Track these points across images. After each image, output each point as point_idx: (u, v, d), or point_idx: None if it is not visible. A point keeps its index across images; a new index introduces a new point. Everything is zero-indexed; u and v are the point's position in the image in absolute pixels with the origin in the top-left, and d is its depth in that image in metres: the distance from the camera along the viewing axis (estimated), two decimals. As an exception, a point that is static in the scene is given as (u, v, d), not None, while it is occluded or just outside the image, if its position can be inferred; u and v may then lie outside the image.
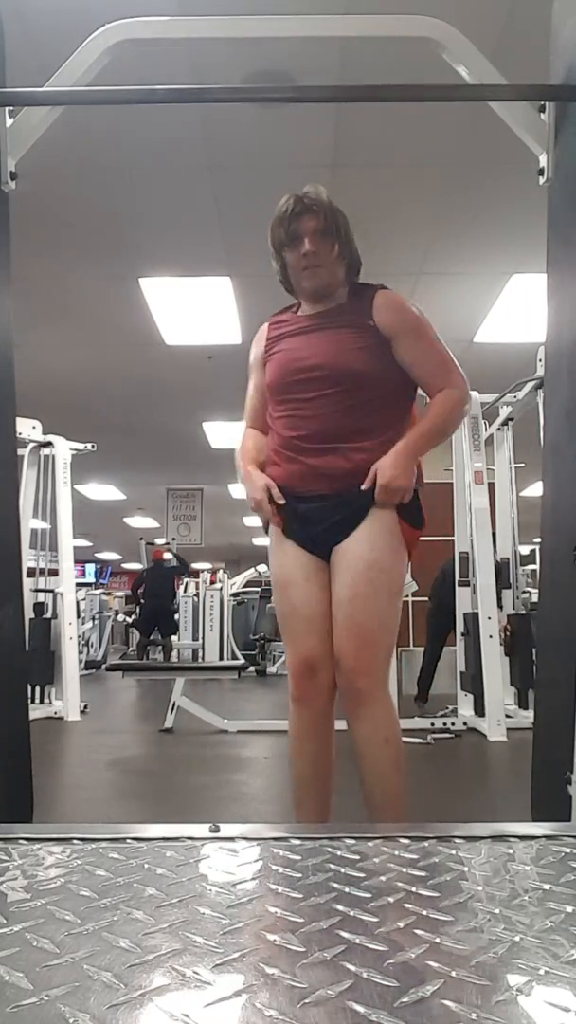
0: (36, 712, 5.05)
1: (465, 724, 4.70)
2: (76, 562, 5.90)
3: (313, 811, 1.75)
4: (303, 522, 1.74)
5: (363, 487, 1.68)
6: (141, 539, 11.16)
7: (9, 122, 1.81)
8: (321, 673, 1.72)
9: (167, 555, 9.96)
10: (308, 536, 1.74)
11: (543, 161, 1.80)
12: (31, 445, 5.47)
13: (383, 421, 1.74)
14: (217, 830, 1.13)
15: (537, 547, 6.81)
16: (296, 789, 1.79)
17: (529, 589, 6.49)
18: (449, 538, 5.50)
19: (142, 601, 9.80)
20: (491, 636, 4.46)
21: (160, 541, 10.99)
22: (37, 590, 5.57)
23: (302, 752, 1.77)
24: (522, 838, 1.12)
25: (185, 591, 10.16)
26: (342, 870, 0.97)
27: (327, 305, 1.80)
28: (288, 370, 1.76)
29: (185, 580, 10.33)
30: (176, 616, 9.98)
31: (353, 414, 1.72)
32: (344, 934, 0.77)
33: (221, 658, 9.24)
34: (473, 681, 4.60)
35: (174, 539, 10.45)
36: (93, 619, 11.07)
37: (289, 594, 1.76)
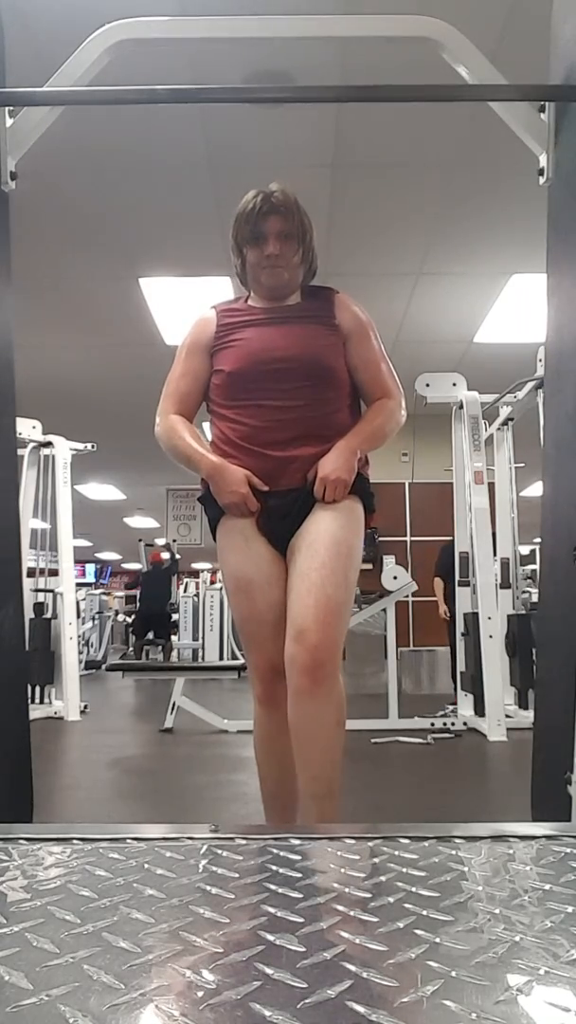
0: (36, 712, 5.05)
1: (465, 724, 4.70)
2: (76, 562, 5.90)
3: (285, 810, 1.74)
4: (267, 518, 1.70)
5: (309, 477, 1.67)
6: (140, 540, 11.16)
7: (9, 122, 1.81)
8: (285, 675, 1.65)
9: (164, 554, 9.98)
10: (273, 531, 1.70)
11: (543, 161, 1.80)
12: (31, 445, 5.47)
13: (345, 419, 1.76)
14: (217, 830, 1.13)
15: (537, 547, 6.82)
16: (269, 790, 1.78)
17: (529, 589, 6.49)
18: (449, 538, 5.50)
19: (139, 605, 9.87)
20: (491, 636, 4.46)
21: (160, 541, 10.99)
22: (37, 590, 5.57)
23: (272, 752, 1.74)
24: (522, 838, 1.12)
25: (185, 591, 10.17)
26: (342, 870, 0.97)
27: (282, 303, 1.81)
28: (257, 360, 1.71)
29: (185, 581, 10.35)
30: (174, 617, 9.99)
31: (323, 408, 1.71)
32: (344, 934, 0.77)
33: (221, 658, 9.25)
34: (473, 681, 4.60)
35: (175, 540, 10.46)
36: (93, 619, 11.07)
37: (254, 598, 1.68)
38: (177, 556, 10.17)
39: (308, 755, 1.58)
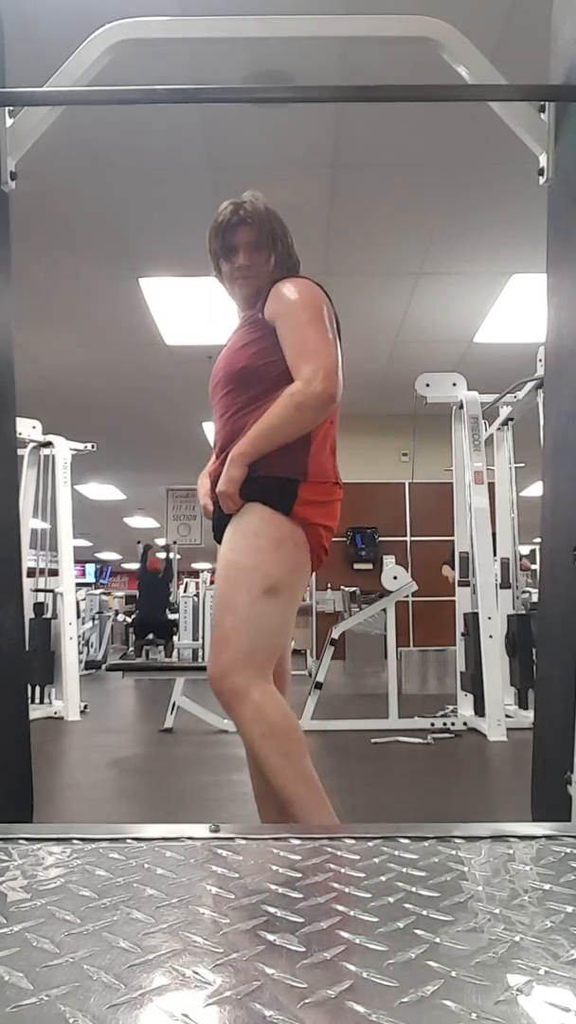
0: (36, 712, 5.05)
1: (465, 724, 4.70)
2: (76, 562, 5.90)
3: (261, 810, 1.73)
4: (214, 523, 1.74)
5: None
6: (139, 542, 11.17)
7: (9, 122, 1.81)
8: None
9: (160, 554, 10.02)
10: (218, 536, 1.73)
11: (543, 161, 1.80)
12: (31, 445, 5.47)
13: None
14: (217, 830, 1.13)
15: (537, 547, 6.82)
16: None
17: (529, 589, 6.49)
18: (449, 538, 5.50)
19: (137, 612, 9.95)
20: (491, 636, 4.46)
21: (160, 541, 11.00)
22: (37, 590, 5.57)
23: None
24: (522, 838, 1.12)
25: (185, 591, 10.16)
26: (342, 870, 0.97)
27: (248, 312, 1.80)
28: (214, 373, 1.78)
29: (185, 581, 10.35)
30: (174, 615, 10.01)
31: (248, 411, 1.66)
32: (344, 934, 0.77)
33: (221, 658, 9.21)
34: (473, 681, 4.60)
35: (176, 542, 10.46)
36: (93, 619, 11.07)
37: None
38: (173, 557, 10.18)
39: (251, 756, 1.64)
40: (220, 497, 1.63)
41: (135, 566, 11.00)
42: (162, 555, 10.04)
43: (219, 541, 1.69)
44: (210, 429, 8.44)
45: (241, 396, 1.67)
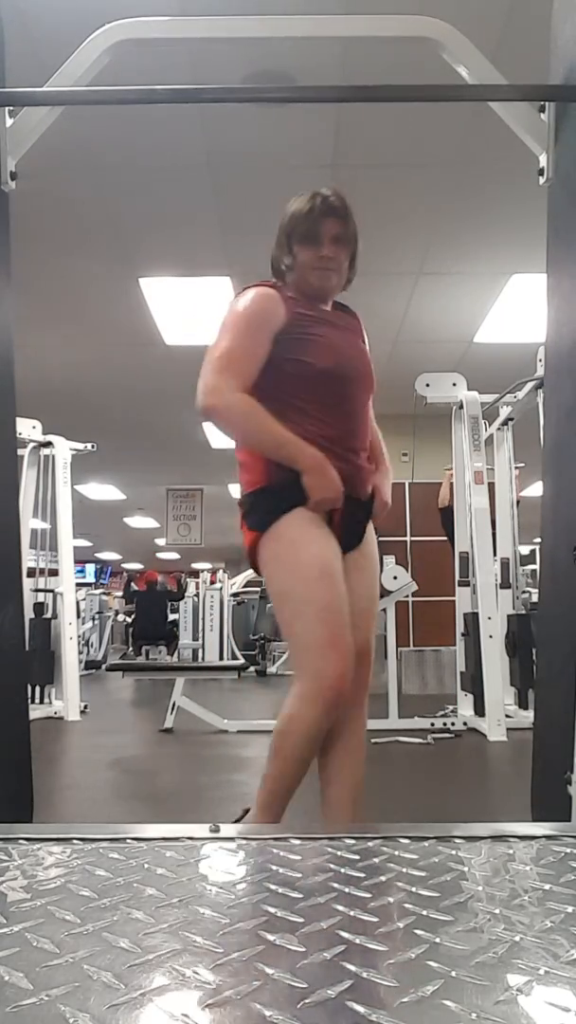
0: (36, 712, 5.05)
1: (465, 724, 4.69)
2: (76, 562, 5.90)
3: (282, 812, 1.67)
4: (344, 521, 1.69)
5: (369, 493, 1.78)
6: (122, 573, 11.22)
7: (9, 122, 1.81)
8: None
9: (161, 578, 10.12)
10: (344, 534, 1.70)
11: (543, 161, 1.80)
12: (31, 445, 5.47)
13: None
14: (217, 830, 1.13)
15: (537, 547, 6.81)
16: (287, 788, 1.67)
17: (529, 589, 6.48)
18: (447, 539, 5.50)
19: (133, 627, 10.04)
20: (491, 636, 4.46)
21: (160, 541, 11.00)
22: (37, 590, 5.57)
23: (314, 753, 1.66)
24: (522, 838, 1.12)
25: (184, 594, 10.20)
26: (342, 870, 0.97)
27: (323, 306, 1.80)
28: (345, 364, 1.73)
29: (185, 580, 10.38)
30: (174, 617, 10.04)
31: (364, 424, 1.79)
32: (344, 934, 0.77)
33: (221, 658, 9.24)
34: (473, 681, 4.60)
35: (177, 552, 10.50)
36: (93, 619, 11.08)
37: (336, 584, 1.63)
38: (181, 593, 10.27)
39: (358, 760, 1.74)
40: (384, 509, 1.79)
41: (136, 566, 11.02)
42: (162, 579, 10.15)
43: (356, 545, 1.74)
44: (210, 429, 8.46)
45: (368, 410, 1.81)
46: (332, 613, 1.60)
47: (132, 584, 10.48)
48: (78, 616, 6.82)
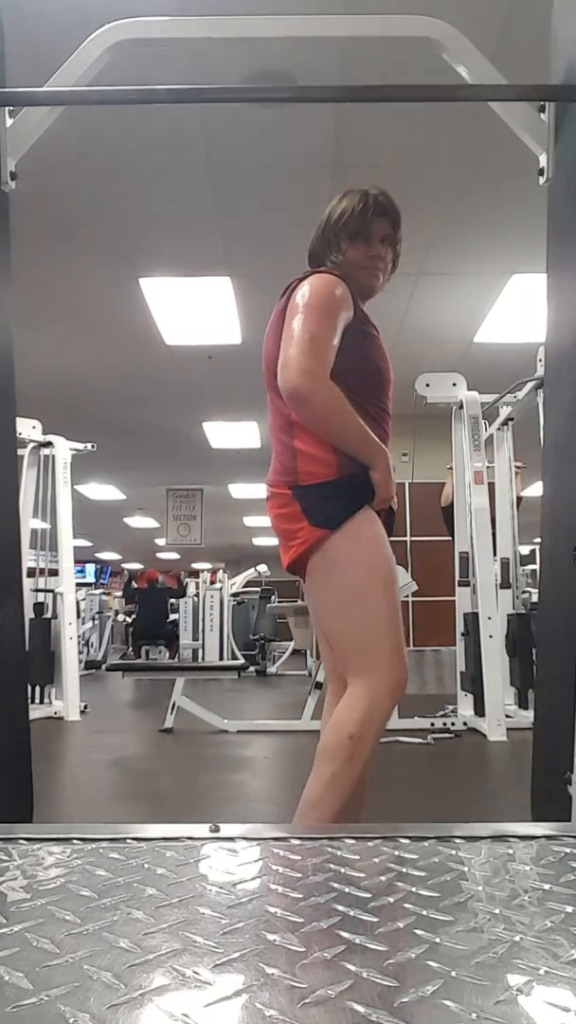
0: (36, 712, 5.05)
1: (465, 724, 4.69)
2: (76, 562, 5.90)
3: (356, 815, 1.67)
4: (385, 525, 1.69)
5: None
6: (121, 572, 11.23)
7: (9, 122, 1.81)
8: None
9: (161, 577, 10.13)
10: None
11: (543, 161, 1.80)
12: (31, 445, 5.47)
13: None
14: (217, 830, 1.13)
15: (537, 547, 6.81)
16: (360, 792, 1.63)
17: (529, 589, 6.48)
18: (449, 538, 5.50)
19: (134, 627, 10.04)
20: (491, 636, 4.46)
21: (160, 541, 11.01)
22: (37, 590, 5.57)
23: (366, 767, 1.61)
24: (522, 838, 1.12)
25: (185, 591, 10.20)
26: (342, 870, 0.97)
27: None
28: (390, 367, 1.74)
29: (185, 580, 10.39)
30: (174, 617, 10.05)
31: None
32: (344, 934, 0.77)
33: (221, 658, 9.25)
34: (473, 681, 4.60)
35: (177, 552, 10.51)
36: (93, 619, 11.08)
37: (396, 593, 1.64)
38: (185, 582, 10.28)
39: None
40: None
41: (136, 566, 11.03)
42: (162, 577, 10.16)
43: None
44: (210, 429, 8.46)
45: None
46: (399, 614, 1.64)
47: (133, 582, 10.50)
48: (78, 616, 6.82)
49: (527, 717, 4.28)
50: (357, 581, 1.61)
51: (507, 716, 4.45)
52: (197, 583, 10.08)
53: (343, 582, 1.62)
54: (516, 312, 5.46)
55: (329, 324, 1.59)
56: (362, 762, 1.56)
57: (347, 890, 0.90)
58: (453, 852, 1.05)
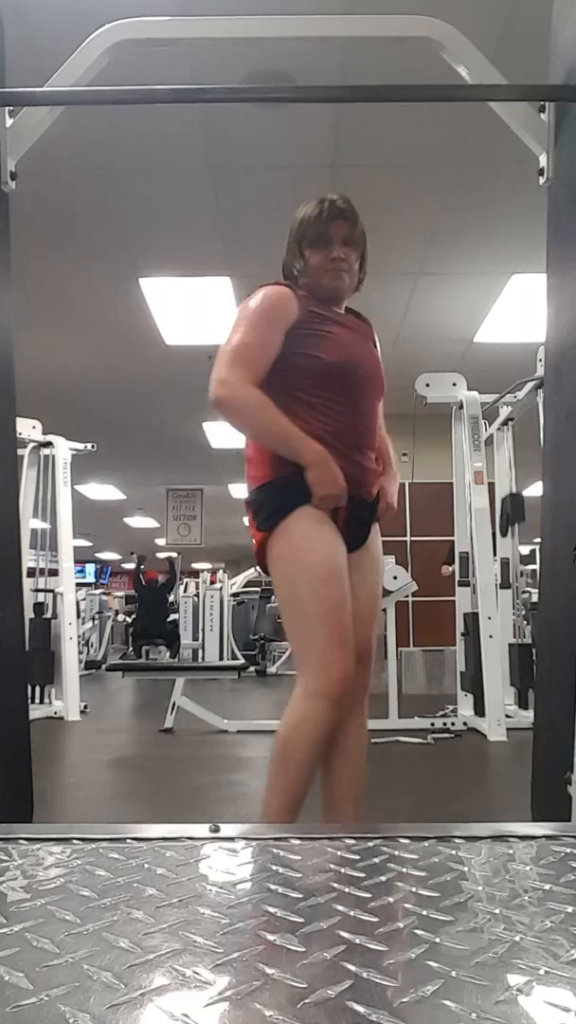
0: (36, 712, 5.05)
1: (465, 724, 4.70)
2: (76, 562, 5.90)
3: (296, 814, 1.63)
4: (349, 521, 1.69)
5: (376, 499, 1.79)
6: (132, 553, 11.18)
7: (9, 122, 1.81)
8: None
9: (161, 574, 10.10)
10: (348, 535, 1.69)
11: (543, 161, 1.79)
12: (31, 445, 5.47)
13: None
14: (217, 830, 1.13)
15: (537, 547, 6.81)
16: (297, 794, 1.63)
17: (529, 589, 6.48)
18: (449, 538, 5.50)
19: (135, 625, 10.03)
20: (491, 636, 4.46)
21: (161, 540, 11.01)
22: (37, 590, 5.57)
23: (316, 754, 1.63)
24: (522, 838, 1.12)
25: (185, 591, 10.18)
26: (342, 870, 0.97)
27: (336, 308, 1.81)
28: (355, 361, 1.74)
29: (185, 580, 10.38)
30: (174, 617, 10.05)
31: (373, 425, 1.79)
32: (344, 934, 0.77)
33: (221, 658, 9.24)
34: (473, 681, 4.60)
35: (178, 554, 10.49)
36: (93, 619, 11.07)
37: (341, 586, 1.64)
38: (175, 557, 10.25)
39: (359, 759, 1.76)
40: (388, 512, 1.80)
41: (134, 566, 11.03)
42: (161, 577, 10.14)
43: (360, 545, 1.74)
44: (210, 429, 8.46)
45: (378, 412, 1.82)
46: (338, 613, 1.62)
47: (141, 575, 10.46)
48: (78, 616, 6.82)
49: (527, 717, 4.28)
50: (291, 581, 1.66)
51: (507, 716, 4.45)
52: (197, 583, 10.08)
53: (280, 582, 1.69)
54: (516, 312, 5.46)
55: (255, 333, 1.68)
56: (296, 762, 1.59)
57: (347, 890, 0.90)
58: (453, 852, 1.05)
